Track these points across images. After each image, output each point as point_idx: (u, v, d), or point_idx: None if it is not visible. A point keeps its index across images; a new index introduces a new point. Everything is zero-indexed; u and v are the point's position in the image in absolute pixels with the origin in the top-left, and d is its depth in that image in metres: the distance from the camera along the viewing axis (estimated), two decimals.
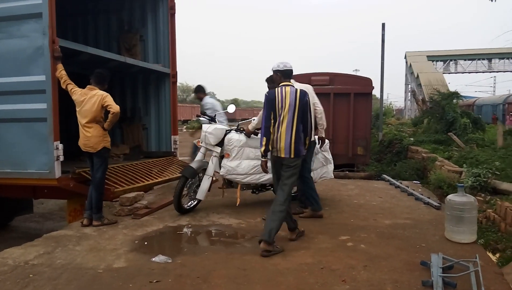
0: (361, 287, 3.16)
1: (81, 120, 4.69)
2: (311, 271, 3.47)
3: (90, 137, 4.67)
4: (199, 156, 5.45)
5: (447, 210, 4.19)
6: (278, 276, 3.38)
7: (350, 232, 4.51)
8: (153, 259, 3.75)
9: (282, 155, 4.05)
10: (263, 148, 4.11)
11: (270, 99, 4.13)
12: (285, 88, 4.13)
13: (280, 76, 4.23)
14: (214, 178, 5.54)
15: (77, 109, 4.72)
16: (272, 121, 4.11)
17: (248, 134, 5.31)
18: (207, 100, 7.47)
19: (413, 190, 6.50)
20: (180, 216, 5.23)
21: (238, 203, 5.35)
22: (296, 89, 4.16)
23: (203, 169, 5.38)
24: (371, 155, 14.00)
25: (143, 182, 5.91)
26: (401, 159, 12.02)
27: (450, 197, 4.16)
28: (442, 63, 44.40)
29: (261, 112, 4.49)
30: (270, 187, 5.71)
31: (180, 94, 57.85)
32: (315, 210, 5.10)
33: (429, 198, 5.87)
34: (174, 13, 7.49)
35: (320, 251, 3.94)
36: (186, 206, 5.39)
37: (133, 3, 7.78)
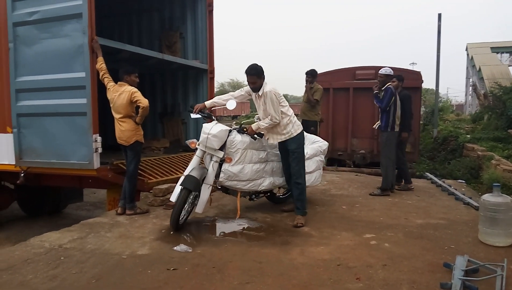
0: (375, 286, 3.06)
1: (116, 115, 4.95)
2: (326, 267, 3.42)
3: (124, 131, 4.91)
4: (195, 160, 4.70)
5: (481, 211, 3.92)
6: (292, 270, 3.36)
7: (376, 231, 4.36)
8: (175, 248, 3.90)
9: (397, 129, 6.06)
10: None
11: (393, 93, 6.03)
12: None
13: (385, 77, 6.08)
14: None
15: (111, 105, 4.98)
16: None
17: (252, 135, 4.67)
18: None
19: (456, 189, 6.13)
20: (209, 208, 5.23)
21: (238, 216, 4.73)
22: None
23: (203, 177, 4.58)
24: (424, 152, 13.35)
25: (177, 174, 6.11)
26: (456, 157, 11.35)
27: (484, 197, 3.89)
28: (508, 55, 41.00)
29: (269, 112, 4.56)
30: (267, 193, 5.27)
31: (232, 90, 58.67)
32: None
33: (470, 198, 5.50)
34: (212, 10, 7.62)
35: (340, 248, 3.86)
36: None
37: (174, 1, 8.03)
